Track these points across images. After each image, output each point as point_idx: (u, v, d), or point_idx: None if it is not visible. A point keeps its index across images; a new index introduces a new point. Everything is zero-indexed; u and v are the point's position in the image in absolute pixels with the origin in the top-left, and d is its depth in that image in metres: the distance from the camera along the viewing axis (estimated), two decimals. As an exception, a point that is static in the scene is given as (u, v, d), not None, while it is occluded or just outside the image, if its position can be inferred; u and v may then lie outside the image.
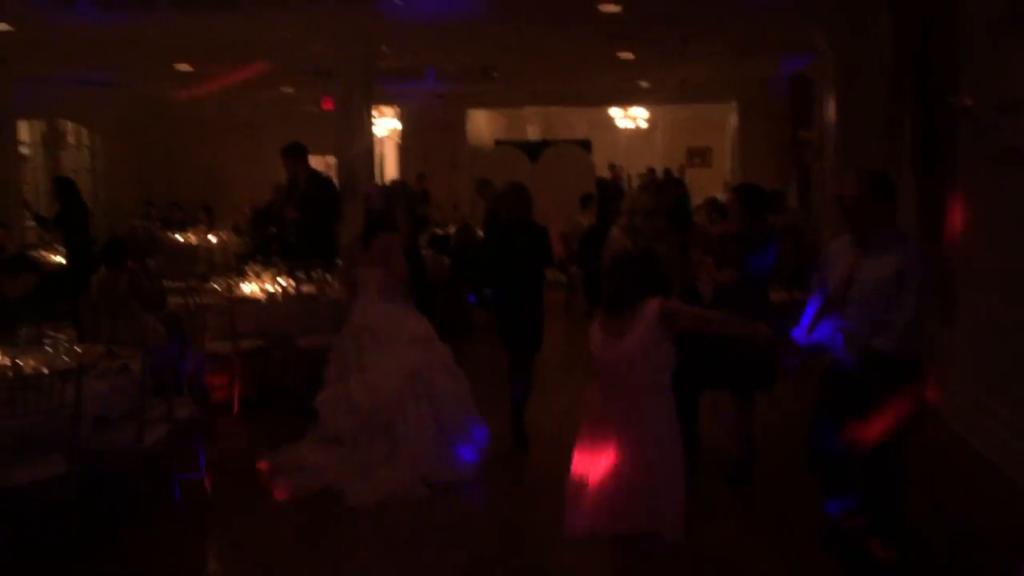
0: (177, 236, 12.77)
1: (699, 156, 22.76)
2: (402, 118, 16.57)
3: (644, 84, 15.11)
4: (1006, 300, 5.45)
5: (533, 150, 15.84)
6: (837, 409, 4.16)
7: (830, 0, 7.47)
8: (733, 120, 16.41)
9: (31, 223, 13.65)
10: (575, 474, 3.68)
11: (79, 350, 5.28)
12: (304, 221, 8.55)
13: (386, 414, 5.64)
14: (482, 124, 18.00)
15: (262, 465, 5.82)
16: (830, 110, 9.18)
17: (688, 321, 3.70)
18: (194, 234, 12.79)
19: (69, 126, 15.00)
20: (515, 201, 6.13)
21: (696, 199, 11.44)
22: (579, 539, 3.75)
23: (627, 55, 10.76)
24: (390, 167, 19.31)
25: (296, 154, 8.57)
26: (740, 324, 4.01)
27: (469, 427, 5.88)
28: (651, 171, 17.88)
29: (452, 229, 12.86)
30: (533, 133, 20.97)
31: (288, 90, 14.27)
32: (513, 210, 6.13)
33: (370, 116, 9.38)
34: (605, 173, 19.26)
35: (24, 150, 13.93)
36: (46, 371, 4.73)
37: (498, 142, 17.13)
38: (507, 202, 6.20)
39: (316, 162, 17.78)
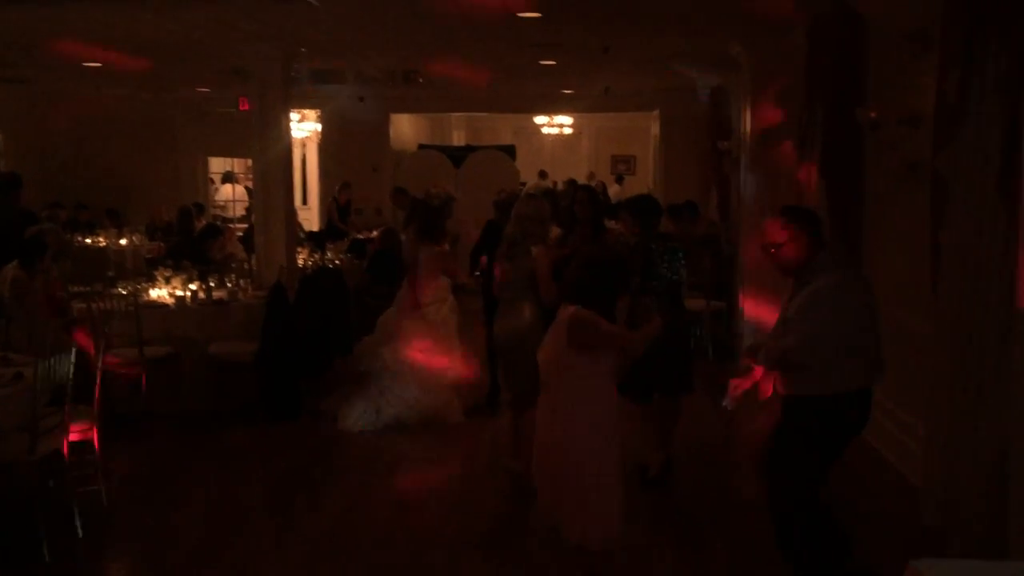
0: (84, 239, 12.32)
1: (624, 164, 23.01)
2: (322, 120, 16.31)
3: (567, 91, 15.18)
4: (906, 309, 5.60)
5: (457, 155, 15.77)
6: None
7: (747, 15, 7.59)
8: (656, 129, 16.60)
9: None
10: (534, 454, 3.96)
11: (-32, 357, 5.04)
12: None
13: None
14: (406, 128, 17.87)
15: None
16: (746, 121, 9.35)
17: (593, 337, 3.71)
18: (104, 237, 12.34)
19: (-27, 122, 14.37)
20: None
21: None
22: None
23: (548, 61, 10.78)
24: (312, 169, 19.01)
25: None
26: (639, 336, 3.96)
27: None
28: (571, 182, 18.01)
29: (375, 234, 12.69)
30: (459, 139, 20.92)
31: (204, 90, 13.92)
32: None
33: (288, 118, 9.17)
34: (532, 179, 19.34)
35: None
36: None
37: (421, 146, 17.02)
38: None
39: (238, 165, 17.61)
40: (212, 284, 7.76)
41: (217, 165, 17.74)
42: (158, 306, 7.43)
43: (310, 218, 17.36)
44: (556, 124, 20.09)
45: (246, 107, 11.94)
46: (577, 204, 6.08)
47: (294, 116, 14.99)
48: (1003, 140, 4.07)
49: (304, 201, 17.65)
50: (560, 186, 18.98)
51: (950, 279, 4.54)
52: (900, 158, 5.84)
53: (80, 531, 4.93)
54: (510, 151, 16.45)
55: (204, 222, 11.78)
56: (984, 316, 4.22)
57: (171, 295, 7.58)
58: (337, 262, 9.98)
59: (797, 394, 3.89)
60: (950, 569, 2.48)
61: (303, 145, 18.23)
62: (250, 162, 16.43)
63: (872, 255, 6.43)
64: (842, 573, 3.96)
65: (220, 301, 7.57)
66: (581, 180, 18.29)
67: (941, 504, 4.59)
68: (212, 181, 17.65)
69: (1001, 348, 4.08)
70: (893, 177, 6.02)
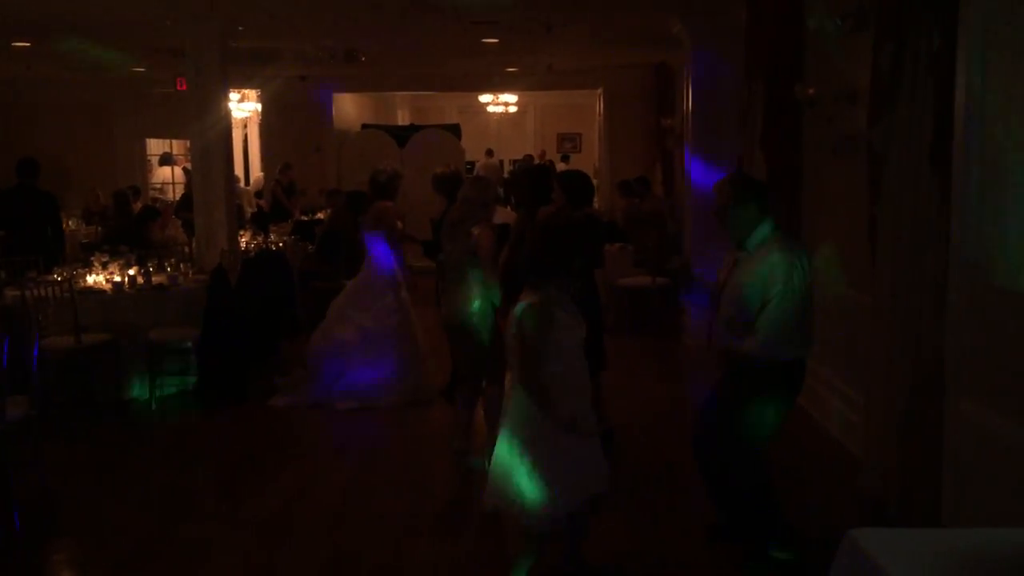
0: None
1: (570, 142, 23.05)
2: (263, 101, 16.03)
3: (512, 69, 15.13)
4: (845, 281, 5.71)
5: (401, 135, 15.63)
6: (712, 408, 4.23)
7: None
8: (600, 107, 16.64)
9: None
10: None
11: None
12: None
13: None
14: (349, 108, 17.65)
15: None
16: (688, 98, 9.40)
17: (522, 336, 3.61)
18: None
19: None
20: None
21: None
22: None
23: (491, 40, 10.72)
24: (255, 149, 18.70)
25: None
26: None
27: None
28: (528, 157, 18.11)
29: (322, 215, 12.55)
30: (403, 118, 20.73)
31: (140, 69, 13.56)
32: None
33: (226, 99, 8.99)
34: (477, 158, 19.30)
35: None
36: None
37: (365, 126, 16.83)
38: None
39: (177, 147, 17.23)
40: (151, 269, 7.60)
41: (155, 147, 17.34)
42: (95, 292, 7.25)
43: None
44: (501, 102, 20.00)
45: (183, 87, 11.65)
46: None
47: (234, 96, 14.69)
48: (935, 114, 4.15)
49: (247, 182, 17.36)
50: (509, 165, 19.05)
51: (886, 251, 4.63)
52: (837, 133, 5.93)
53: (19, 523, 4.83)
54: (455, 130, 16.34)
55: (141, 205, 11.54)
56: (920, 287, 4.31)
57: (108, 280, 7.41)
58: (280, 244, 9.84)
59: (751, 359, 3.96)
60: (887, 537, 2.52)
61: (244, 126, 17.91)
62: (189, 143, 16.17)
63: (811, 229, 6.54)
64: (777, 524, 4.12)
65: (160, 286, 7.41)
66: (534, 159, 18.37)
67: (880, 473, 4.71)
68: (150, 163, 17.26)
69: (936, 318, 4.18)
70: (831, 152, 6.12)
